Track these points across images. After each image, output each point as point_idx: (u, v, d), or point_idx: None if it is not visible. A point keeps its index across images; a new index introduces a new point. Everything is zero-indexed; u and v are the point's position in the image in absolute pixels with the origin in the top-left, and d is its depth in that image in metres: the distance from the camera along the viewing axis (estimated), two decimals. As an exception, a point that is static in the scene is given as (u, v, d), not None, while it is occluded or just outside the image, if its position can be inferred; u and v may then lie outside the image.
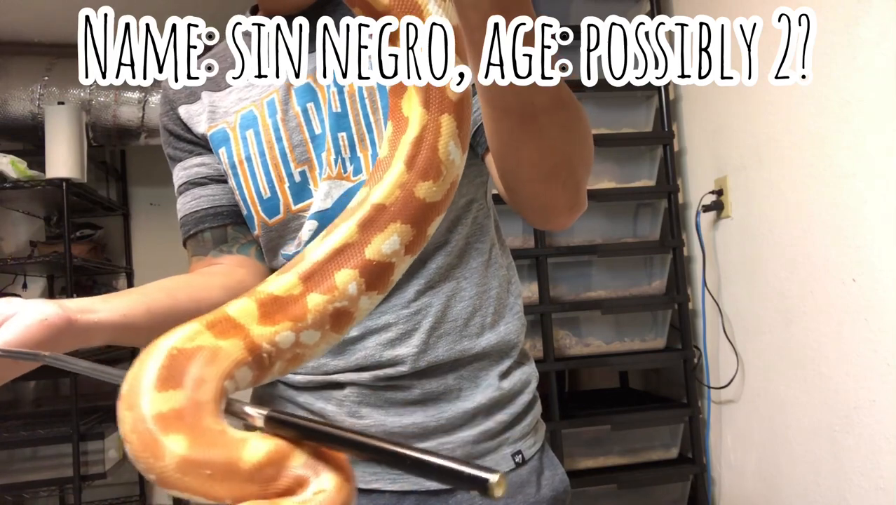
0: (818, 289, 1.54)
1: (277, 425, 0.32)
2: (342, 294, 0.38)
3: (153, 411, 0.31)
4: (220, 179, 0.84)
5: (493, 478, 0.27)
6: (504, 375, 0.80)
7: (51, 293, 3.27)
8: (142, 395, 0.31)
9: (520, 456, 0.80)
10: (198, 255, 0.85)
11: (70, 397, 2.46)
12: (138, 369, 0.33)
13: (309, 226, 0.76)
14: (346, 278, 0.38)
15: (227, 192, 0.83)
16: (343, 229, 0.38)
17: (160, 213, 3.38)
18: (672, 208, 2.04)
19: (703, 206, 1.95)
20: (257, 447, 0.31)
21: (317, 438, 0.32)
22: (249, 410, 0.34)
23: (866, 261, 1.40)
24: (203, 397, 0.32)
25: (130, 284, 3.39)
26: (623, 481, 1.94)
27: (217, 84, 0.83)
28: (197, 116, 0.83)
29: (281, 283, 0.38)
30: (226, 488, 0.30)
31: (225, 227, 0.83)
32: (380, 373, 0.75)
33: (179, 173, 0.86)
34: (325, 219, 0.75)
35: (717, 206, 1.92)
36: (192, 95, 0.84)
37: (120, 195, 3.40)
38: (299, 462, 0.31)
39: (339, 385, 0.77)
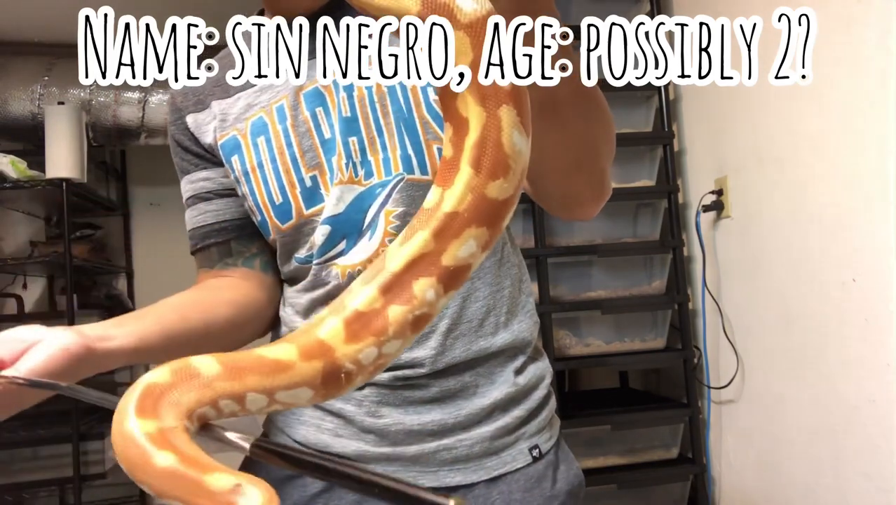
0: (818, 289, 1.54)
1: (263, 452, 0.36)
2: (421, 302, 0.39)
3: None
4: (224, 194, 0.85)
5: (450, 503, 0.30)
6: (519, 371, 0.81)
7: (51, 293, 3.27)
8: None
9: (537, 450, 0.80)
10: (205, 267, 0.87)
11: (70, 397, 2.45)
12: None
13: (322, 231, 0.76)
14: (424, 287, 0.39)
15: (231, 206, 0.85)
16: (417, 239, 0.39)
17: (160, 213, 3.38)
18: (672, 208, 2.04)
19: (703, 206, 1.95)
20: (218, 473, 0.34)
21: (301, 466, 0.35)
22: (232, 436, 0.37)
23: (866, 261, 1.40)
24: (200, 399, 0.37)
25: (130, 285, 3.39)
26: (623, 481, 1.94)
27: (225, 91, 0.83)
28: (205, 126, 0.84)
29: (363, 297, 0.40)
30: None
31: (228, 242, 0.85)
32: (398, 374, 0.76)
33: (186, 186, 0.87)
34: (338, 223, 0.76)
35: (717, 206, 1.92)
36: (199, 104, 0.84)
37: (120, 195, 3.40)
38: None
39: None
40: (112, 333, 0.66)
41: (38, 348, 0.58)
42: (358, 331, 0.39)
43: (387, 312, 0.39)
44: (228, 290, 0.83)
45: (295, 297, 0.82)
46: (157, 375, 0.38)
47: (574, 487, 0.82)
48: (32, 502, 2.92)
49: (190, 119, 0.85)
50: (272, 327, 0.88)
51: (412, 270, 0.39)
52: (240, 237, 0.86)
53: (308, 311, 0.80)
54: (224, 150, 0.81)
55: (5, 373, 0.56)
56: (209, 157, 0.85)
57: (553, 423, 0.85)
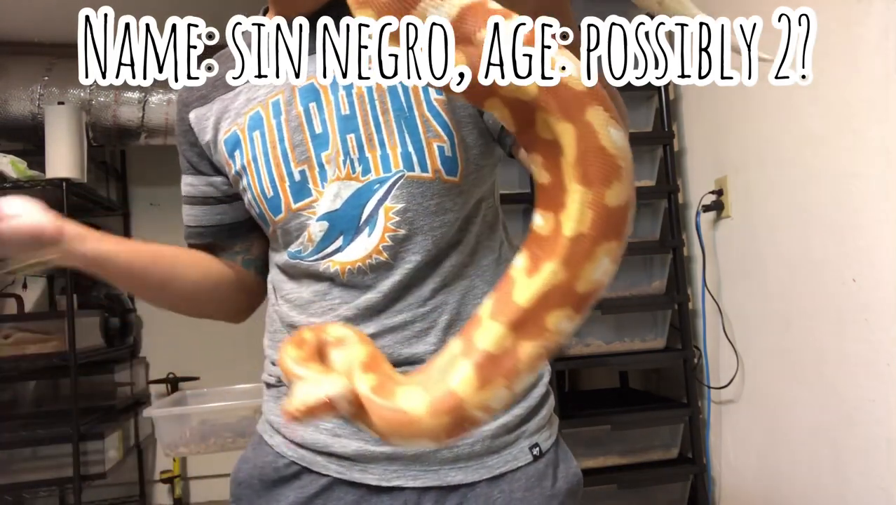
0: (818, 289, 1.54)
1: None
2: (556, 334, 0.38)
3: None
4: (203, 202, 0.90)
5: None
6: None
7: (51, 293, 3.27)
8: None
9: (537, 449, 0.80)
10: None
11: (70, 397, 2.46)
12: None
13: (319, 226, 0.77)
14: (558, 318, 0.37)
15: (207, 213, 0.90)
16: (546, 271, 0.37)
17: (160, 213, 3.38)
18: (672, 208, 2.04)
19: (703, 206, 1.95)
20: None
21: None
22: None
23: (866, 261, 1.40)
24: None
25: (130, 284, 3.39)
26: (623, 481, 1.94)
27: (227, 86, 0.84)
28: (205, 121, 0.85)
29: (493, 336, 0.38)
30: None
31: (209, 242, 0.92)
32: (398, 370, 0.76)
33: (182, 182, 0.92)
34: (336, 219, 0.76)
35: (717, 206, 1.92)
36: (203, 98, 0.86)
37: (120, 195, 3.39)
38: None
39: None
40: (87, 238, 0.79)
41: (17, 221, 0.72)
42: (489, 375, 0.38)
43: (518, 350, 0.38)
44: (209, 261, 0.91)
45: (293, 291, 0.82)
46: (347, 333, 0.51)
47: (573, 486, 0.82)
48: (32, 502, 2.92)
49: (192, 115, 0.86)
50: (241, 316, 0.96)
51: (544, 304, 0.37)
52: (220, 238, 0.92)
53: (307, 305, 0.80)
54: (227, 146, 0.82)
55: None
56: (197, 161, 0.88)
57: (552, 421, 0.85)
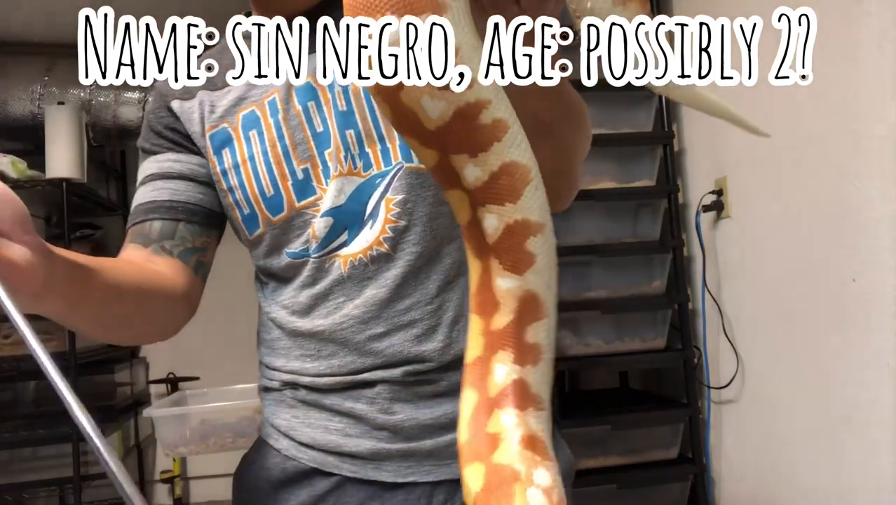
0: (818, 289, 1.54)
1: None
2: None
3: None
4: (188, 178, 0.82)
5: None
6: None
7: (51, 293, 3.26)
8: None
9: None
10: (136, 243, 0.81)
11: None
12: None
13: (324, 222, 0.77)
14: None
15: (190, 189, 0.82)
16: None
17: (160, 213, 3.38)
18: (672, 208, 2.04)
19: (703, 206, 1.95)
20: None
21: None
22: None
23: (866, 261, 1.40)
24: None
25: (130, 284, 3.39)
26: (623, 481, 1.94)
27: (214, 83, 0.83)
28: (191, 114, 0.83)
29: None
30: None
31: (177, 221, 0.81)
32: (409, 368, 0.77)
33: (149, 165, 0.83)
34: (340, 214, 0.77)
35: (717, 206, 1.92)
36: (187, 93, 0.84)
37: (120, 195, 3.39)
38: None
39: (370, 383, 0.78)
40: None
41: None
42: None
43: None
44: (155, 266, 0.78)
45: (292, 296, 0.81)
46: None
47: (568, 471, 0.86)
48: (32, 502, 2.92)
49: (176, 104, 0.84)
50: (173, 333, 0.80)
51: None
52: (189, 223, 0.81)
53: (309, 308, 0.80)
54: (213, 142, 0.81)
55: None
56: (187, 144, 0.83)
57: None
